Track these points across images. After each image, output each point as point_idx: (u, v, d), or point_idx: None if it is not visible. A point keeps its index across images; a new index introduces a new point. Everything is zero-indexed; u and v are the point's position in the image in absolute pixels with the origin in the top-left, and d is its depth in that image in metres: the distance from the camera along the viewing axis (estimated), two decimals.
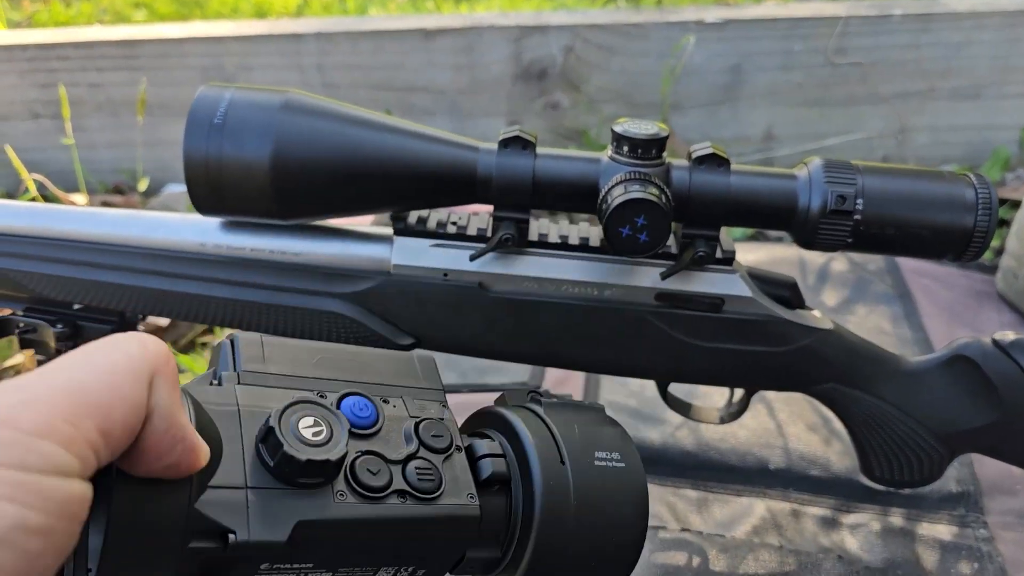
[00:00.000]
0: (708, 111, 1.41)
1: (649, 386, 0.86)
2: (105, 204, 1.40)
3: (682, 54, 1.33)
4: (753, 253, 1.09)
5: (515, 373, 0.89)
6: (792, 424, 0.82)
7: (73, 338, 0.68)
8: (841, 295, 1.04)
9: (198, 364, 1.04)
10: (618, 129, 0.57)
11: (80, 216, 0.64)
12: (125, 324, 0.69)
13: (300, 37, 1.38)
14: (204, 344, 1.12)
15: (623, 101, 1.41)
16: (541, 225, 0.63)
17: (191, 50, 1.40)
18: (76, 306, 0.67)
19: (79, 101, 1.44)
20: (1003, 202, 1.27)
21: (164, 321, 1.07)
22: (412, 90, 1.42)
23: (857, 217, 0.56)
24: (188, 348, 1.11)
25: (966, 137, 1.40)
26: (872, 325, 0.98)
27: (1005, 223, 1.22)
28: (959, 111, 1.37)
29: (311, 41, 1.38)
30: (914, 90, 1.36)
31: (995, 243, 1.21)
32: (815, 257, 1.10)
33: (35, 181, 1.25)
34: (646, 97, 1.40)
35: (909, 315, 1.00)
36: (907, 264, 1.10)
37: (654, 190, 0.55)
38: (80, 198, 1.31)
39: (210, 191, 0.56)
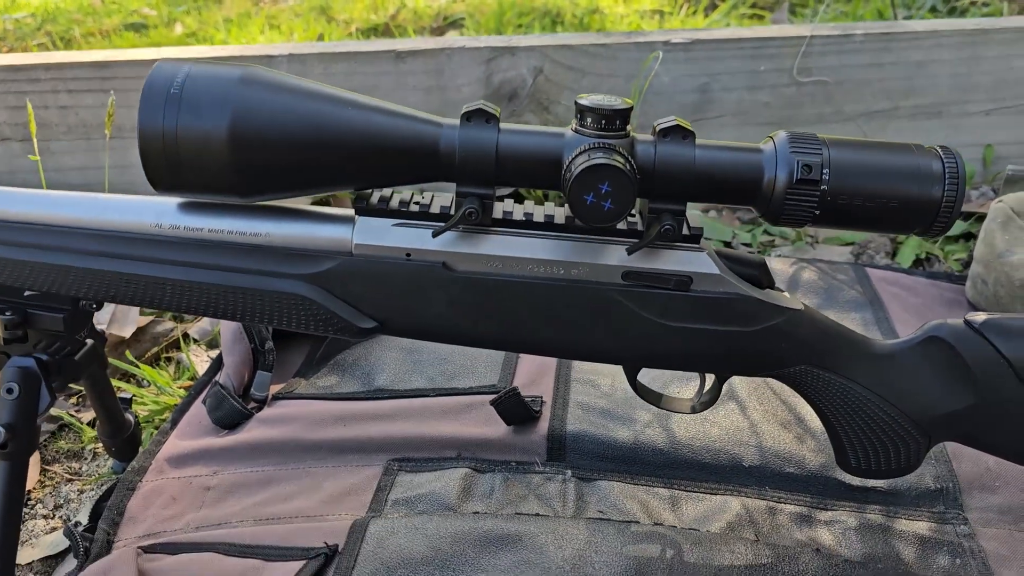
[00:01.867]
0: None
1: (620, 387, 0.84)
2: None
3: (649, 72, 1.35)
4: None
5: (484, 376, 0.87)
6: (765, 422, 0.81)
7: (22, 327, 0.65)
8: (811, 302, 1.03)
9: (162, 378, 1.01)
10: (582, 102, 0.56)
11: (29, 198, 0.61)
12: (77, 313, 0.67)
13: (272, 59, 1.38)
14: (169, 359, 1.09)
15: None
16: (506, 204, 0.62)
17: None
18: (27, 293, 0.65)
19: (48, 124, 1.43)
20: (970, 216, 1.29)
21: (127, 332, 1.04)
22: None
23: (824, 187, 0.56)
24: (154, 361, 1.08)
25: None
26: None
27: (973, 236, 1.23)
28: (922, 129, 1.39)
29: (283, 63, 1.38)
30: (878, 109, 1.38)
31: (963, 255, 1.23)
32: (785, 266, 1.10)
33: None
34: None
35: (880, 320, 1.00)
36: (876, 272, 1.10)
37: (619, 157, 0.54)
38: None
39: (166, 165, 0.55)
